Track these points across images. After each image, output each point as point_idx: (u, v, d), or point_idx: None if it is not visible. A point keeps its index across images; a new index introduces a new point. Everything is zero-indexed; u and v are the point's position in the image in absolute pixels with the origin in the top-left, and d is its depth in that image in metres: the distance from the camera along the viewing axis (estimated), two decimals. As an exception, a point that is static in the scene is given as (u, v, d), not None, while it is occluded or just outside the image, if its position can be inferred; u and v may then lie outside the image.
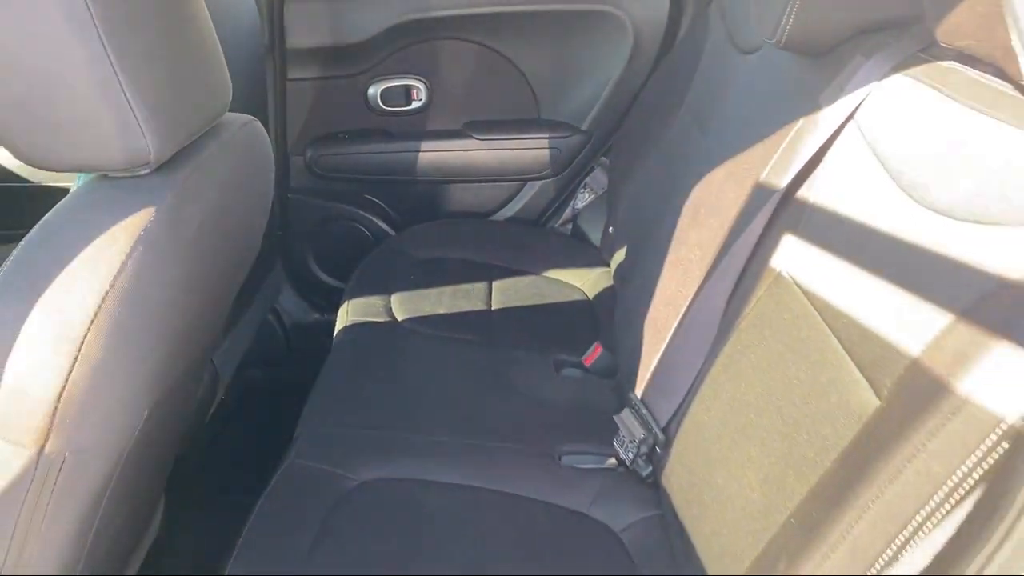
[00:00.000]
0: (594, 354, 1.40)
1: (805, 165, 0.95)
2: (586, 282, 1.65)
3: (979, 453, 0.56)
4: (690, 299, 1.09)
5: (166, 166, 0.75)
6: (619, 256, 1.56)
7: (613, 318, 1.45)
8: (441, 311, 1.51)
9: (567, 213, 1.91)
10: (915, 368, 0.66)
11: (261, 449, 1.28)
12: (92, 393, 0.66)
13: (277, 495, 1.07)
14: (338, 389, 1.29)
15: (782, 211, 0.98)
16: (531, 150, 1.83)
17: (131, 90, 0.68)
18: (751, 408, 0.89)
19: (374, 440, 1.18)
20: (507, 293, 1.59)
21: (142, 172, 0.73)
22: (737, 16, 1.36)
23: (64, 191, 0.75)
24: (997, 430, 0.56)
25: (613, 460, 1.16)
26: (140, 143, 0.69)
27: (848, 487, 0.65)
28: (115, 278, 0.66)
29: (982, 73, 0.78)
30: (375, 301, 1.52)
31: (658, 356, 1.11)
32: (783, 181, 0.98)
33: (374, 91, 1.79)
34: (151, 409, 0.76)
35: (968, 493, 0.57)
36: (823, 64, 1.01)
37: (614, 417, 1.16)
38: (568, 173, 1.87)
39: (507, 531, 1.06)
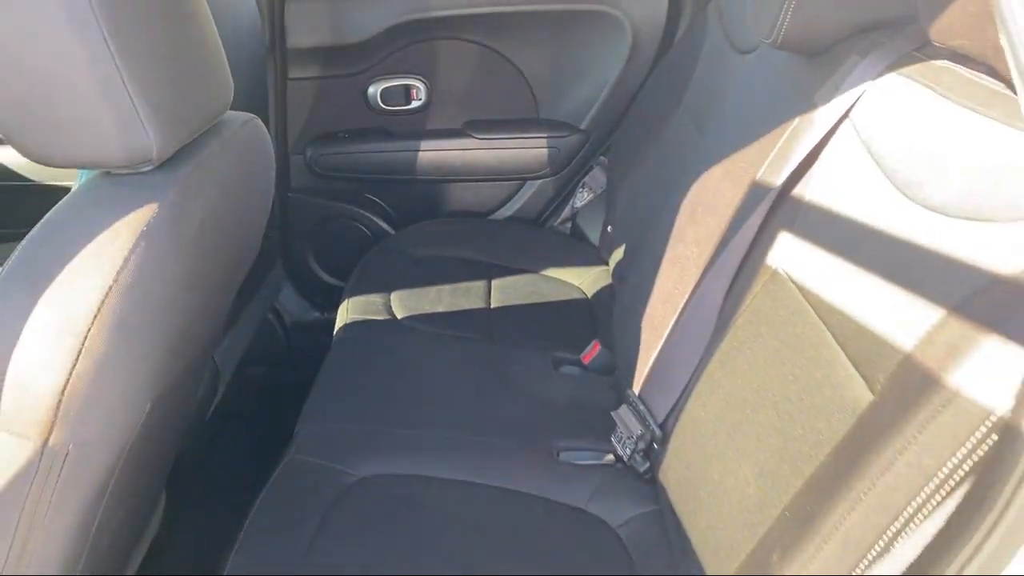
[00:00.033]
0: (592, 352, 1.41)
1: (801, 163, 0.96)
2: (585, 281, 1.66)
3: (969, 445, 0.57)
4: (687, 296, 1.09)
5: (168, 163, 0.76)
6: (617, 255, 1.57)
7: (611, 316, 1.46)
8: (440, 309, 1.52)
9: (566, 212, 1.92)
10: (907, 363, 0.67)
11: (261, 447, 1.29)
12: (95, 387, 0.67)
13: (277, 490, 1.08)
14: (338, 386, 1.30)
15: (778, 209, 0.99)
16: (530, 149, 1.84)
17: (134, 88, 0.69)
18: (747, 404, 0.90)
19: (374, 436, 1.19)
20: (506, 291, 1.60)
21: (144, 169, 0.74)
22: (735, 16, 1.37)
23: (65, 190, 0.76)
24: (987, 422, 0.57)
25: (611, 456, 1.17)
26: (143, 140, 0.70)
27: (841, 480, 0.66)
28: (118, 273, 0.67)
29: (975, 72, 0.79)
30: (375, 299, 1.53)
31: (655, 353, 1.12)
32: (779, 179, 0.98)
33: (374, 90, 1.80)
34: (153, 403, 0.77)
35: (958, 485, 0.58)
36: (819, 63, 1.02)
37: (612, 414, 1.17)
38: (567, 172, 1.87)
39: (506, 526, 1.07)
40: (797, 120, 1.01)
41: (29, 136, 0.70)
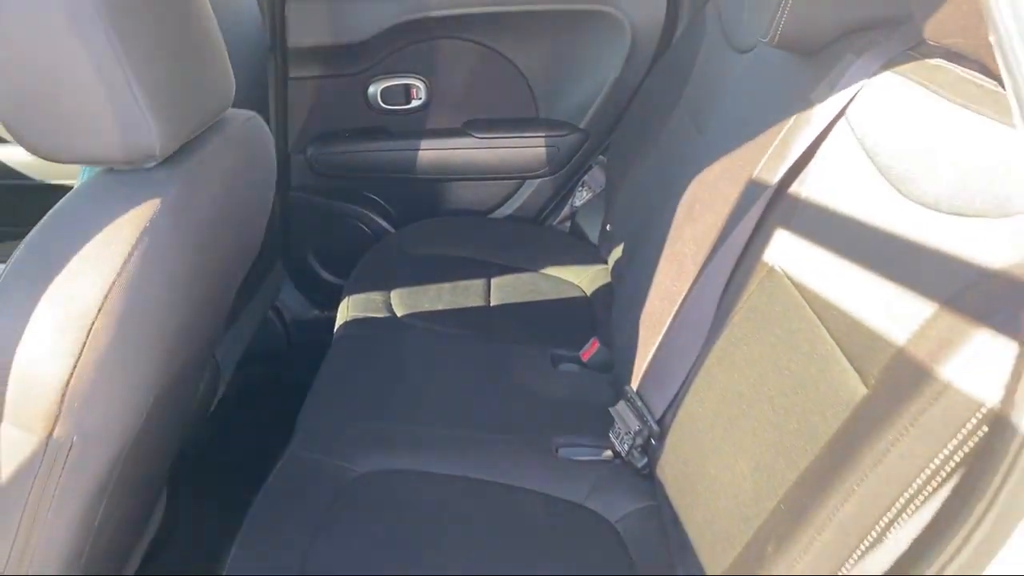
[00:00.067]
0: (591, 349, 1.41)
1: (797, 161, 0.97)
2: (584, 279, 1.67)
3: (960, 436, 0.58)
4: (685, 293, 1.10)
5: (171, 159, 0.77)
6: (616, 253, 1.58)
7: (610, 314, 1.47)
8: (440, 307, 1.53)
9: (565, 211, 1.93)
10: (900, 356, 0.68)
11: (262, 444, 1.30)
12: (99, 379, 0.68)
13: (279, 485, 1.09)
14: (338, 382, 1.31)
15: (775, 206, 1.00)
16: (530, 148, 1.85)
17: (137, 85, 0.70)
18: (743, 399, 0.91)
19: (374, 432, 1.20)
20: (505, 290, 1.61)
21: (148, 165, 0.75)
22: (733, 16, 1.38)
23: (67, 189, 0.77)
24: (977, 414, 0.58)
25: (609, 452, 1.18)
26: (146, 137, 0.71)
27: (835, 472, 0.67)
28: (122, 268, 0.68)
29: (968, 70, 0.80)
30: (375, 297, 1.54)
31: (653, 349, 1.13)
32: (775, 177, 0.99)
33: (374, 90, 1.81)
34: (156, 397, 0.78)
35: (950, 475, 0.59)
36: (815, 62, 1.03)
37: (610, 409, 1.18)
38: (566, 171, 1.88)
39: (505, 521, 1.07)
40: (793, 118, 1.02)
41: (34, 132, 0.71)
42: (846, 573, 0.64)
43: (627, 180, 1.62)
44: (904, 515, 0.61)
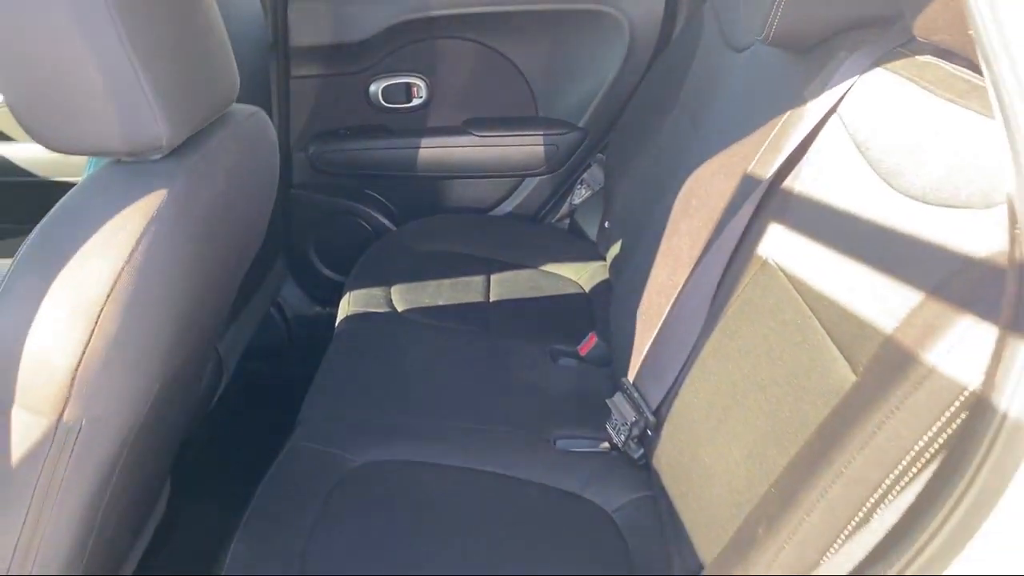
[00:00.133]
0: (589, 344, 1.43)
1: (790, 156, 0.99)
2: (582, 275, 1.68)
3: (943, 419, 0.60)
4: (680, 287, 1.12)
5: (177, 152, 0.79)
6: (614, 249, 1.59)
7: (608, 309, 1.48)
8: (440, 303, 1.54)
9: (564, 209, 1.94)
10: (888, 343, 0.69)
11: (263, 437, 1.31)
12: (108, 364, 0.69)
13: (281, 475, 1.11)
14: (340, 375, 1.33)
15: (768, 201, 1.02)
16: (529, 147, 1.87)
17: (145, 78, 0.72)
18: (737, 389, 0.93)
19: (375, 424, 1.22)
20: (505, 286, 1.63)
21: (154, 157, 0.77)
22: (729, 15, 1.40)
23: (71, 186, 0.79)
24: (960, 397, 0.59)
25: (606, 444, 1.20)
26: (153, 129, 0.73)
27: (823, 455, 0.69)
28: (130, 256, 0.70)
29: (957, 66, 0.82)
30: (376, 292, 1.55)
31: (650, 342, 1.15)
32: (769, 172, 1.01)
33: (375, 88, 1.83)
34: (161, 384, 0.80)
35: (933, 457, 0.61)
36: (808, 60, 1.05)
37: (607, 401, 1.20)
38: (565, 169, 1.90)
39: (503, 511, 1.09)
40: (787, 114, 1.04)
41: (44, 125, 0.73)
42: (833, 554, 0.65)
43: (625, 178, 1.64)
44: (890, 496, 0.63)
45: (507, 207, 1.94)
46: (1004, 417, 0.52)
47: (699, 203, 1.19)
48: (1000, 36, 0.47)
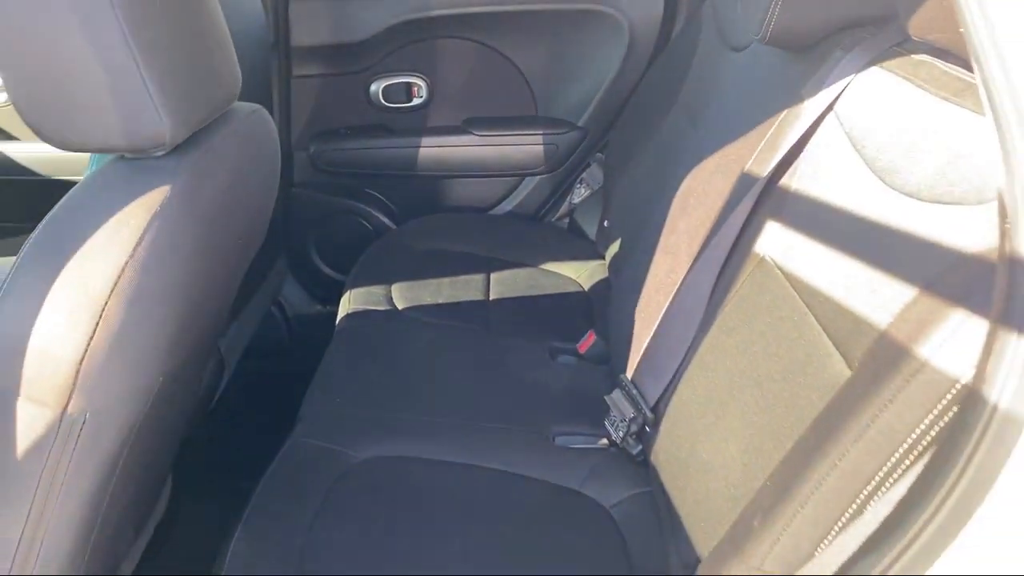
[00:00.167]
0: (588, 342, 1.44)
1: (787, 154, 1.00)
2: (582, 274, 1.69)
3: (936, 412, 0.61)
4: (678, 284, 1.13)
5: (180, 148, 0.80)
6: (614, 248, 1.60)
7: (607, 308, 1.49)
8: (440, 301, 1.55)
9: (564, 208, 1.95)
10: (882, 338, 0.70)
11: (263, 435, 1.32)
12: (112, 357, 0.70)
13: (281, 470, 1.11)
14: (340, 372, 1.34)
15: (766, 198, 1.03)
16: (529, 146, 1.87)
17: (148, 76, 0.73)
18: (734, 385, 0.94)
19: (375, 420, 1.23)
20: (504, 284, 1.63)
21: (157, 153, 0.78)
22: (728, 15, 1.41)
23: (72, 184, 0.80)
24: (952, 390, 0.60)
25: (605, 441, 1.21)
26: (156, 126, 0.74)
27: (818, 448, 0.70)
28: (133, 251, 0.71)
29: (951, 65, 0.83)
30: (376, 290, 1.56)
31: (648, 339, 1.15)
32: (767, 170, 1.02)
33: (376, 88, 1.84)
34: (164, 378, 0.81)
35: (926, 450, 0.62)
36: (805, 59, 1.06)
37: (605, 398, 1.21)
38: (565, 169, 1.91)
39: (503, 507, 1.10)
40: (784, 113, 1.04)
41: (49, 122, 0.74)
42: (827, 545, 0.66)
43: (625, 177, 1.65)
44: (883, 488, 0.64)
45: (507, 206, 1.94)
46: (995, 409, 0.53)
47: (697, 201, 1.20)
48: (989, 34, 0.48)
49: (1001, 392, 0.53)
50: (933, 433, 0.61)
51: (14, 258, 0.73)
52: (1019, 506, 0.53)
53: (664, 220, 1.29)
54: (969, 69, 0.81)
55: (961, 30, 0.53)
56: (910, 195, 0.77)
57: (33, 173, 1.85)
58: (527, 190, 1.93)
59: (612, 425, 1.18)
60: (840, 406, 0.71)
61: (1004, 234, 0.53)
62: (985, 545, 0.54)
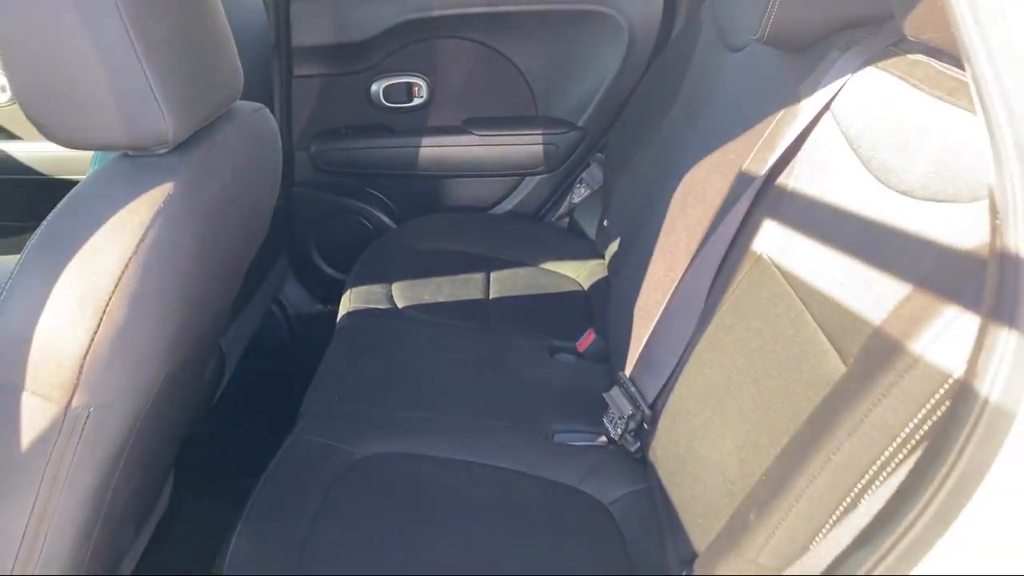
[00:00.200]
0: (587, 340, 1.45)
1: (784, 153, 1.01)
2: (581, 273, 1.70)
3: (928, 406, 0.62)
4: (676, 283, 1.14)
5: (183, 146, 0.81)
6: (613, 247, 1.61)
7: (606, 307, 1.50)
8: (441, 300, 1.56)
9: (564, 207, 1.96)
10: (877, 334, 0.71)
11: (265, 434, 1.33)
12: (115, 352, 0.71)
13: (282, 467, 1.12)
14: (341, 370, 1.35)
15: (763, 197, 1.03)
16: (529, 146, 1.88)
17: (152, 74, 0.74)
18: (731, 382, 0.95)
19: (375, 417, 1.23)
20: (504, 283, 1.64)
21: (160, 151, 0.79)
22: (727, 15, 1.42)
23: (75, 183, 0.81)
24: (945, 385, 0.61)
25: (603, 438, 1.21)
26: (160, 124, 0.75)
27: (813, 443, 0.70)
28: (137, 246, 0.72)
29: (946, 65, 0.84)
30: (376, 289, 1.57)
31: (646, 337, 1.16)
32: (764, 169, 1.03)
33: (376, 88, 1.85)
34: (167, 374, 0.81)
35: (919, 443, 0.62)
36: (802, 58, 1.06)
37: (604, 395, 1.21)
38: (565, 168, 1.92)
39: (502, 503, 1.11)
40: (782, 112, 1.05)
41: (53, 120, 0.75)
42: (822, 538, 0.67)
43: (624, 177, 1.66)
44: (877, 482, 0.65)
45: (507, 206, 1.95)
46: (986, 402, 0.54)
47: (695, 200, 1.21)
48: (979, 31, 0.49)
49: (992, 386, 0.54)
50: (926, 427, 0.62)
51: (18, 256, 0.74)
52: (1010, 496, 0.54)
53: (663, 219, 1.30)
54: (963, 68, 0.81)
55: (952, 28, 0.54)
56: (905, 193, 0.78)
57: (36, 172, 1.86)
58: (527, 190, 1.93)
59: (611, 422, 1.19)
60: (835, 401, 0.72)
61: (995, 230, 0.54)
62: (978, 535, 0.55)
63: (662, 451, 1.07)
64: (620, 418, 1.16)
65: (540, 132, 1.87)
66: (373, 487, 1.10)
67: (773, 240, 0.98)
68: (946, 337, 0.62)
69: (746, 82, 1.27)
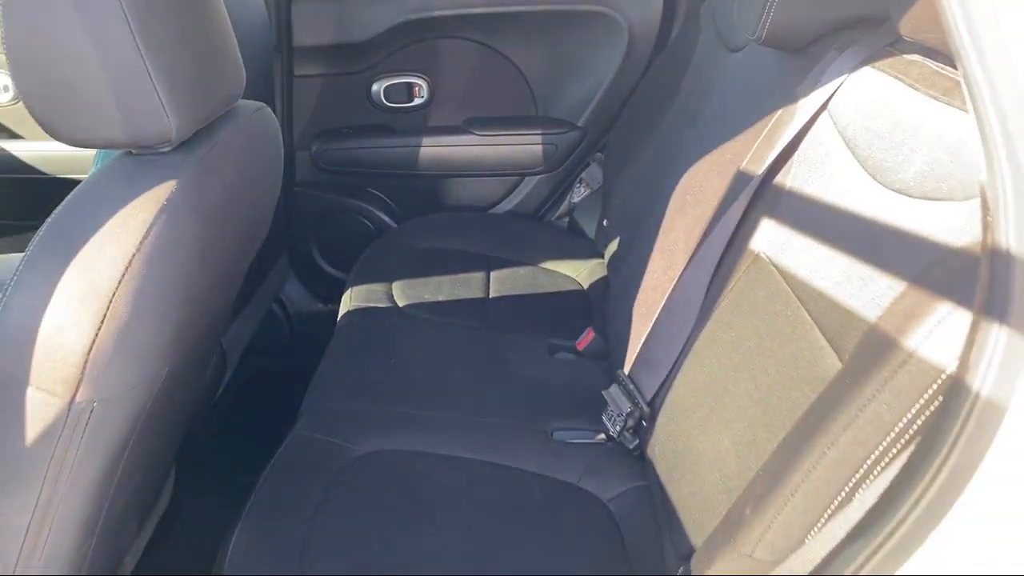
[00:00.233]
0: (587, 338, 1.46)
1: (782, 152, 1.02)
2: (581, 273, 1.71)
3: (922, 401, 0.62)
4: (675, 281, 1.15)
5: (186, 144, 0.81)
6: (612, 247, 1.62)
7: (606, 305, 1.51)
8: (441, 299, 1.57)
9: (563, 207, 1.96)
10: (871, 331, 0.72)
11: (266, 432, 1.33)
12: (119, 347, 0.72)
13: (283, 464, 1.13)
14: (342, 368, 1.35)
15: (761, 196, 1.04)
16: (529, 146, 1.89)
17: (155, 74, 0.74)
18: (729, 379, 0.96)
19: (375, 415, 1.24)
20: (504, 283, 1.65)
21: (163, 149, 0.80)
22: (726, 16, 1.42)
23: (78, 183, 0.82)
24: (938, 380, 0.62)
25: (602, 436, 1.22)
26: (163, 123, 0.76)
27: (808, 438, 0.71)
28: (140, 243, 0.73)
29: (941, 65, 0.85)
30: (377, 288, 1.58)
31: (645, 335, 1.17)
32: (762, 168, 1.04)
33: (377, 88, 1.85)
34: (169, 370, 0.82)
35: (913, 438, 0.63)
36: (800, 59, 1.07)
37: (603, 392, 1.22)
38: (564, 168, 1.92)
39: (501, 500, 1.11)
40: (780, 112, 1.06)
41: (57, 118, 0.76)
42: (817, 531, 0.68)
43: (623, 177, 1.67)
44: (871, 476, 0.65)
45: (507, 205, 1.96)
46: (977, 396, 0.55)
47: (694, 200, 1.21)
48: (969, 30, 0.50)
49: (983, 380, 0.55)
50: (920, 422, 0.63)
51: (22, 254, 0.75)
52: (1001, 488, 0.55)
53: (662, 218, 1.30)
54: (956, 67, 0.82)
55: (944, 27, 0.54)
56: (900, 192, 0.79)
57: (39, 172, 1.87)
58: (527, 190, 1.94)
59: (609, 420, 1.19)
60: (830, 397, 0.72)
61: (986, 227, 0.55)
62: (970, 526, 0.56)
63: (660, 448, 1.08)
64: (619, 415, 1.17)
65: (540, 132, 1.88)
66: (373, 485, 1.11)
67: (771, 239, 0.99)
68: (939, 333, 0.63)
69: (744, 82, 1.28)
